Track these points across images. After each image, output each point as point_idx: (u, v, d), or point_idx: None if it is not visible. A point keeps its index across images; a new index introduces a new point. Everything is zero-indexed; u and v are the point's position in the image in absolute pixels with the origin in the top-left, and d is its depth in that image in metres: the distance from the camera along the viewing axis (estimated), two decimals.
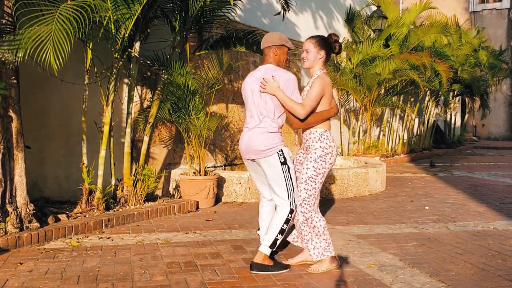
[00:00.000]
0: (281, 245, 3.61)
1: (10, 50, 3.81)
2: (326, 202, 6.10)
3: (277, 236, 3.38)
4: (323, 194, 6.35)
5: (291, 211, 3.39)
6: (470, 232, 4.61)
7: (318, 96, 3.37)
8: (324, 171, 3.41)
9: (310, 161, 3.41)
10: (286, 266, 3.48)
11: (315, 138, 3.42)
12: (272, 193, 3.50)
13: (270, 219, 3.52)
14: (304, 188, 3.40)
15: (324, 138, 3.41)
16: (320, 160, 3.39)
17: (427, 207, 5.88)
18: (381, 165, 7.42)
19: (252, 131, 3.42)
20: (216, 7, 5.68)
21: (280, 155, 3.37)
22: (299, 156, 3.66)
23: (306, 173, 3.41)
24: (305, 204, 3.40)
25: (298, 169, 3.61)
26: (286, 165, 3.38)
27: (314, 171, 3.39)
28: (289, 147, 9.28)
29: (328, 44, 3.49)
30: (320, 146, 3.40)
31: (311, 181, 3.40)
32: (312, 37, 3.53)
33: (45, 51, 3.58)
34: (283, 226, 3.38)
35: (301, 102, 3.39)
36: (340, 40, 11.07)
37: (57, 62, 3.59)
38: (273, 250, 3.43)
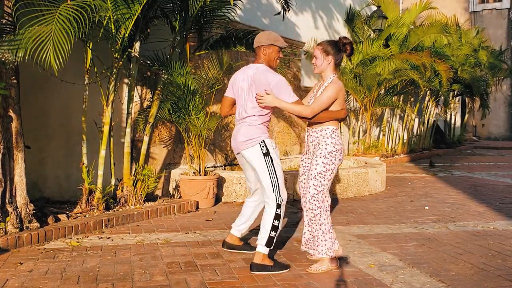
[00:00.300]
0: (280, 244, 3.62)
1: (10, 50, 3.81)
2: None
3: (270, 233, 3.39)
4: None
5: (279, 206, 3.42)
6: (470, 232, 4.61)
7: (330, 99, 3.42)
8: (334, 167, 3.42)
9: (320, 157, 3.41)
10: (286, 266, 3.48)
11: (326, 134, 3.45)
12: (260, 188, 3.57)
13: (250, 215, 3.77)
14: (313, 184, 3.41)
15: (335, 135, 3.46)
16: (330, 156, 3.41)
17: (427, 207, 5.88)
18: (381, 165, 7.42)
19: (238, 126, 3.58)
20: (216, 7, 5.68)
21: (263, 146, 3.45)
22: (304, 162, 3.66)
23: (316, 169, 3.41)
24: (314, 200, 3.41)
25: (303, 172, 3.64)
26: (269, 156, 3.44)
27: (324, 166, 3.40)
28: (289, 147, 9.31)
29: (336, 48, 3.51)
30: (331, 142, 3.43)
31: (320, 177, 3.40)
32: (319, 43, 3.59)
33: (45, 51, 3.58)
34: (274, 222, 3.40)
35: (293, 98, 3.44)
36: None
37: (57, 62, 3.59)
38: (271, 248, 3.44)
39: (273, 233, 3.39)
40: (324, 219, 3.42)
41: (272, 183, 3.42)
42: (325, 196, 3.44)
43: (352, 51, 3.55)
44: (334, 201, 6.23)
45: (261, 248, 3.40)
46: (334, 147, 3.42)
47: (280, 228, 3.45)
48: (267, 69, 3.54)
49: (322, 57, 3.50)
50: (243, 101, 3.55)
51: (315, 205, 3.41)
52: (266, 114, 3.54)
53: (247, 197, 3.86)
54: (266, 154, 3.44)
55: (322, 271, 3.40)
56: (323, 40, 3.63)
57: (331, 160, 3.40)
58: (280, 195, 3.42)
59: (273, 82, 3.44)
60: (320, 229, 3.43)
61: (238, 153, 3.60)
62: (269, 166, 3.43)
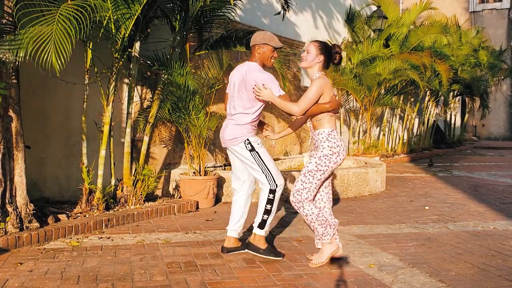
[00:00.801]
0: (281, 244, 3.65)
1: (11, 50, 3.81)
2: None
3: (263, 216, 3.64)
4: None
5: (271, 191, 3.62)
6: (470, 232, 4.61)
7: (315, 95, 3.44)
8: (326, 169, 3.47)
9: (315, 157, 3.49)
10: (278, 254, 3.65)
11: (323, 138, 3.49)
12: (249, 179, 3.81)
13: (243, 211, 3.81)
14: (301, 180, 3.49)
15: (331, 138, 3.48)
16: (325, 158, 3.45)
17: (427, 207, 5.88)
18: (381, 165, 7.42)
19: (226, 122, 3.73)
20: (216, 7, 5.68)
21: (247, 144, 3.61)
22: (307, 158, 3.76)
23: (307, 166, 3.50)
24: (297, 194, 3.49)
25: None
26: (255, 151, 3.61)
27: (316, 166, 3.46)
28: (289, 147, 9.31)
29: (329, 52, 3.58)
30: (328, 146, 3.47)
31: (309, 175, 3.47)
32: (317, 40, 3.65)
33: (47, 51, 3.58)
34: (266, 206, 3.63)
35: (280, 92, 3.53)
36: (340, 40, 11.15)
37: (59, 62, 3.59)
38: (264, 229, 3.68)
39: (265, 216, 3.64)
40: (308, 210, 3.49)
41: (263, 172, 3.62)
42: (310, 194, 3.50)
43: (340, 62, 3.63)
44: (335, 201, 6.23)
45: (256, 229, 3.68)
46: (330, 150, 3.46)
47: (273, 212, 3.65)
48: (257, 68, 3.64)
49: (315, 54, 3.54)
50: (234, 97, 3.68)
51: (297, 199, 3.49)
52: (253, 113, 3.62)
53: (234, 195, 3.90)
54: (252, 150, 3.61)
55: (323, 262, 3.50)
56: (320, 40, 3.68)
57: (324, 163, 3.46)
58: (274, 182, 3.62)
59: (260, 79, 3.54)
60: (307, 219, 3.52)
61: (226, 147, 3.80)
62: (257, 159, 3.62)
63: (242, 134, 3.61)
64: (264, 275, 3.30)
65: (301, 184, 3.48)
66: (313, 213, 3.50)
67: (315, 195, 3.66)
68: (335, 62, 3.62)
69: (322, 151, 3.46)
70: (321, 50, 3.54)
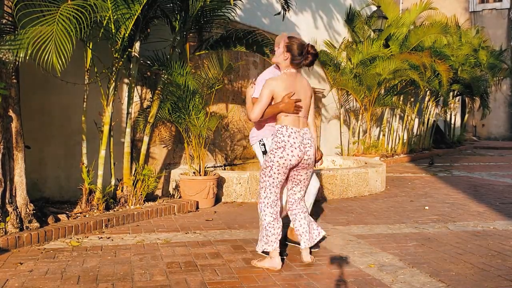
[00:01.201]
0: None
1: (11, 50, 3.81)
2: (326, 202, 6.10)
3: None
4: (323, 194, 6.35)
5: None
6: (470, 232, 4.61)
7: (266, 99, 3.40)
8: (272, 164, 3.39)
9: (267, 154, 3.49)
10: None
11: (273, 133, 3.49)
12: None
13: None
14: (259, 180, 3.53)
15: (279, 133, 3.41)
16: (270, 153, 3.42)
17: (427, 207, 5.88)
18: (381, 165, 7.42)
19: None
20: (216, 7, 5.68)
21: (262, 145, 3.70)
22: None
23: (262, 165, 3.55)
24: (259, 194, 3.50)
25: None
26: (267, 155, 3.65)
27: (264, 163, 3.47)
28: None
29: (300, 50, 3.40)
30: (274, 140, 3.43)
31: (262, 173, 3.47)
32: (290, 37, 3.48)
33: (47, 51, 3.58)
34: None
35: (254, 94, 3.58)
36: (340, 40, 11.14)
37: (60, 62, 3.59)
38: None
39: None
40: (262, 215, 3.47)
41: None
42: (266, 193, 3.45)
43: (312, 63, 3.46)
44: (335, 201, 6.24)
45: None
46: (275, 145, 3.40)
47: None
48: (269, 69, 3.74)
49: (281, 50, 3.44)
50: None
51: (259, 198, 3.48)
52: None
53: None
54: (264, 152, 3.69)
55: (260, 267, 3.45)
56: (295, 36, 3.49)
57: (269, 158, 3.41)
58: None
59: (261, 76, 3.64)
60: (260, 223, 3.50)
61: None
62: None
63: (258, 134, 3.72)
64: (264, 275, 3.30)
65: (259, 184, 3.49)
66: (264, 219, 3.45)
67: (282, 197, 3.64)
68: (305, 63, 3.44)
69: (270, 146, 3.45)
70: (289, 48, 3.40)
